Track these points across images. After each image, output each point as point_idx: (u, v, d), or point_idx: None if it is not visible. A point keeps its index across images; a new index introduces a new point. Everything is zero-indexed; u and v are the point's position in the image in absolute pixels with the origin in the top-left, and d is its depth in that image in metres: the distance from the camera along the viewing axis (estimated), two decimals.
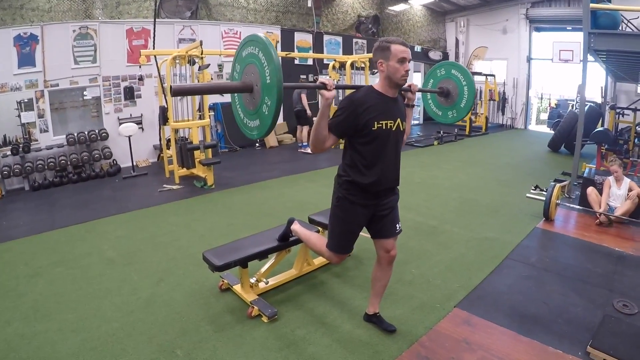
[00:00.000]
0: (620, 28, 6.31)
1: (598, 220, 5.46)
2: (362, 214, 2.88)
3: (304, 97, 10.08)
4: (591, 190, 5.62)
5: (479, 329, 3.25)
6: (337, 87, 2.64)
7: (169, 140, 7.81)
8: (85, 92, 8.15)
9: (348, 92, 2.95)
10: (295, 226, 3.57)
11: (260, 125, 2.56)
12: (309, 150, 9.54)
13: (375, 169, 2.76)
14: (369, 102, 2.67)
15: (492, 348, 3.01)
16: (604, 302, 3.65)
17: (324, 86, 2.53)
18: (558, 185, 5.86)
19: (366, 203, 2.84)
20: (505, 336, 3.17)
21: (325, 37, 12.68)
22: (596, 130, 9.06)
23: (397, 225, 3.01)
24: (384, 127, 2.70)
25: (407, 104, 3.00)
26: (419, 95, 3.77)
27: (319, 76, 12.41)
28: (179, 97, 7.52)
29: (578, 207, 5.96)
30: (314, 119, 2.70)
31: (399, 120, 2.79)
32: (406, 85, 2.89)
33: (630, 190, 5.46)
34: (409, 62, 2.68)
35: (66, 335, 3.10)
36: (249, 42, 2.58)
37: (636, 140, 9.11)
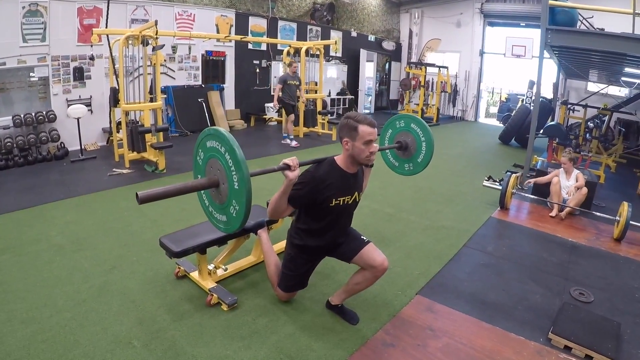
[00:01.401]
0: (577, 26, 6.47)
1: (555, 212, 5.62)
2: (313, 264, 3.17)
3: (278, 87, 9.36)
4: (557, 181, 5.73)
5: (442, 316, 3.27)
6: (301, 165, 2.61)
7: (119, 123, 7.51)
8: (32, 73, 7.70)
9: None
10: (263, 234, 3.62)
11: (227, 222, 2.45)
12: (293, 144, 9.43)
13: (327, 234, 2.95)
14: (330, 180, 2.74)
15: (456, 334, 3.03)
16: (560, 290, 3.75)
17: (287, 167, 2.51)
18: (514, 175, 5.99)
19: (318, 257, 3.16)
20: (468, 323, 3.20)
21: (280, 23, 12.52)
22: (549, 124, 9.36)
23: (362, 237, 3.08)
24: (341, 203, 2.83)
25: (366, 165, 2.97)
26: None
27: (271, 62, 12.28)
28: (130, 79, 7.24)
29: (532, 196, 6.12)
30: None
31: (356, 193, 2.93)
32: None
33: (577, 181, 5.65)
34: (375, 142, 2.72)
35: (15, 326, 2.89)
36: (212, 136, 2.37)
37: (587, 135, 9.44)
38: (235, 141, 2.25)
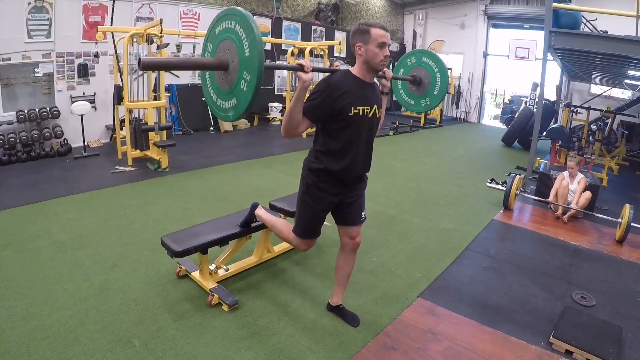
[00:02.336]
0: (580, 28, 6.45)
1: (560, 212, 5.62)
2: (331, 201, 2.83)
3: None
4: (566, 184, 5.71)
5: (443, 319, 3.26)
6: (314, 70, 2.52)
7: (122, 121, 7.50)
8: (37, 69, 7.70)
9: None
10: (260, 211, 3.48)
11: (237, 104, 2.38)
12: None
13: (348, 155, 2.68)
14: (346, 87, 2.57)
15: (457, 338, 3.02)
16: (562, 293, 3.74)
17: (301, 68, 2.40)
18: (518, 176, 5.98)
19: (336, 192, 2.80)
20: (470, 326, 3.19)
21: (285, 23, 12.48)
22: (552, 126, 9.33)
23: (363, 213, 2.98)
24: (360, 113, 2.61)
25: (381, 91, 2.91)
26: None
27: (276, 62, 12.24)
28: (135, 76, 7.25)
29: (535, 197, 6.11)
30: None
31: (375, 106, 2.72)
32: (380, 72, 2.80)
33: (579, 182, 5.66)
34: (388, 47, 2.59)
35: (15, 323, 2.89)
36: (224, 17, 2.40)
37: (590, 138, 9.41)
38: (247, 11, 2.27)
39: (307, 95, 2.51)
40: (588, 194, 5.52)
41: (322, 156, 2.72)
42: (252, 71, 2.18)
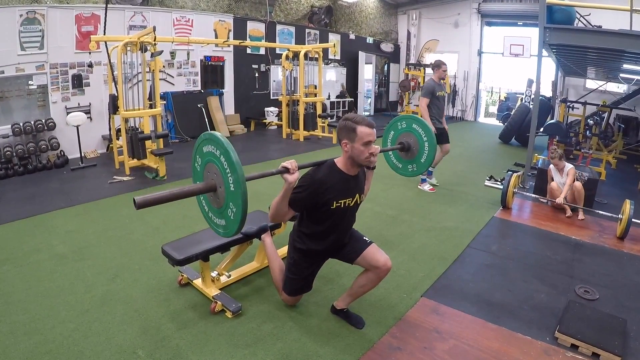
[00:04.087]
0: (574, 24, 6.46)
1: (569, 212, 5.61)
2: (317, 266, 3.14)
3: (424, 102, 6.49)
4: (556, 185, 5.69)
5: (448, 318, 3.25)
6: (300, 168, 2.62)
7: (118, 130, 7.50)
8: (31, 81, 7.70)
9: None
10: (267, 239, 3.60)
11: (226, 226, 2.48)
12: (427, 188, 6.66)
13: (330, 236, 2.91)
14: (330, 182, 2.72)
15: (462, 336, 3.01)
16: (565, 288, 3.73)
17: (286, 170, 2.51)
18: (515, 174, 5.97)
19: (321, 258, 3.11)
20: (475, 324, 3.18)
21: (278, 27, 12.52)
22: (549, 122, 9.35)
23: (365, 238, 3.06)
24: (342, 206, 2.80)
25: (367, 167, 2.97)
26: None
27: (270, 66, 12.25)
28: (129, 86, 7.23)
29: (534, 195, 6.10)
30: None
31: (357, 196, 2.89)
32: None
33: (568, 174, 5.60)
34: (373, 143, 2.70)
35: (18, 338, 2.86)
36: (208, 140, 2.43)
37: (587, 132, 9.43)
38: (229, 144, 2.27)
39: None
40: (577, 185, 5.51)
41: (305, 238, 2.96)
42: (237, 206, 2.29)
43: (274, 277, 3.36)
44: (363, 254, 2.93)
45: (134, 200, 2.12)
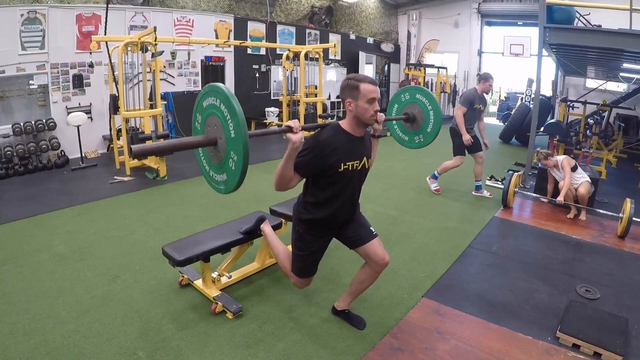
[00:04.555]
0: (574, 23, 6.46)
1: (572, 214, 5.59)
2: (324, 242, 2.95)
3: (460, 112, 6.17)
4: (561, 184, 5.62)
5: (449, 318, 3.25)
6: (304, 128, 2.54)
7: (119, 130, 7.49)
8: (31, 81, 7.69)
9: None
10: (267, 228, 3.51)
11: (227, 180, 2.40)
12: (487, 194, 6.48)
13: (335, 204, 2.76)
14: (336, 143, 2.60)
15: (464, 336, 3.01)
16: (567, 287, 3.73)
17: (290, 129, 2.42)
18: (516, 174, 5.96)
19: (327, 233, 2.91)
20: (476, 324, 3.18)
21: (279, 27, 12.51)
22: (549, 122, 9.34)
23: (371, 228, 2.98)
24: (350, 168, 2.67)
25: (373, 135, 2.93)
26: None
27: (271, 66, 12.25)
28: (130, 86, 7.24)
29: (534, 194, 6.09)
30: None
31: (364, 159, 2.76)
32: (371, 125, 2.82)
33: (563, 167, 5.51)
34: (378, 101, 2.62)
35: (18, 338, 2.87)
36: (208, 93, 2.39)
37: (587, 132, 9.42)
38: (229, 91, 2.23)
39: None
40: (582, 191, 5.39)
41: (310, 207, 2.80)
42: (239, 153, 2.21)
43: (280, 263, 3.23)
44: (366, 245, 2.88)
45: (130, 148, 2.08)
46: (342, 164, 2.61)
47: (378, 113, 2.66)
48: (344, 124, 2.70)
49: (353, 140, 2.68)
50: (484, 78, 6.20)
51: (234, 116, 2.19)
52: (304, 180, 2.77)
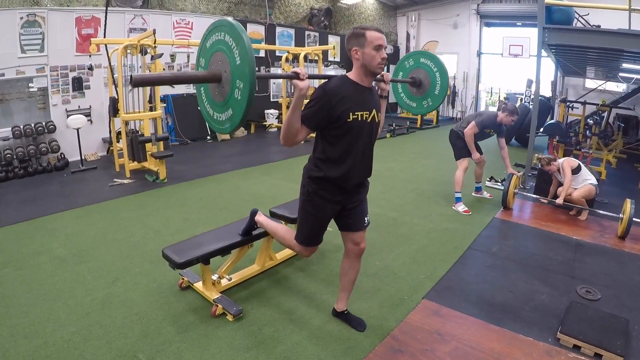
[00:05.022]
0: (573, 24, 6.47)
1: (574, 212, 5.60)
2: (332, 209, 2.79)
3: (472, 130, 5.77)
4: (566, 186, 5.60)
5: (449, 320, 3.24)
6: (310, 77, 2.48)
7: (119, 133, 7.49)
8: (31, 84, 7.70)
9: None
10: (260, 217, 3.46)
11: (232, 115, 2.36)
12: (487, 195, 6.51)
13: (347, 161, 2.64)
14: (344, 92, 2.52)
15: (464, 338, 3.00)
16: (567, 288, 3.73)
17: (296, 75, 2.36)
18: (516, 176, 5.96)
19: (336, 199, 2.76)
20: (476, 325, 3.17)
21: (278, 29, 12.53)
22: (549, 122, 9.33)
23: (366, 218, 2.95)
24: (359, 119, 2.57)
25: (380, 95, 2.87)
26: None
27: (270, 68, 12.25)
28: (129, 89, 7.23)
29: (534, 195, 6.09)
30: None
31: (374, 111, 2.67)
32: (379, 75, 2.74)
33: (563, 169, 5.52)
34: (385, 49, 2.56)
35: (18, 341, 2.86)
36: (213, 30, 2.39)
37: (587, 132, 9.42)
38: (235, 20, 2.23)
39: (306, 101, 2.49)
40: (568, 176, 5.42)
41: (321, 164, 2.68)
42: (245, 79, 2.16)
43: (280, 238, 3.18)
44: (355, 234, 2.90)
45: (130, 76, 2.08)
46: (351, 114, 2.53)
47: (384, 72, 2.63)
48: (351, 74, 2.64)
49: (361, 90, 2.62)
50: (510, 112, 5.78)
51: (240, 42, 2.15)
52: (314, 140, 2.72)
